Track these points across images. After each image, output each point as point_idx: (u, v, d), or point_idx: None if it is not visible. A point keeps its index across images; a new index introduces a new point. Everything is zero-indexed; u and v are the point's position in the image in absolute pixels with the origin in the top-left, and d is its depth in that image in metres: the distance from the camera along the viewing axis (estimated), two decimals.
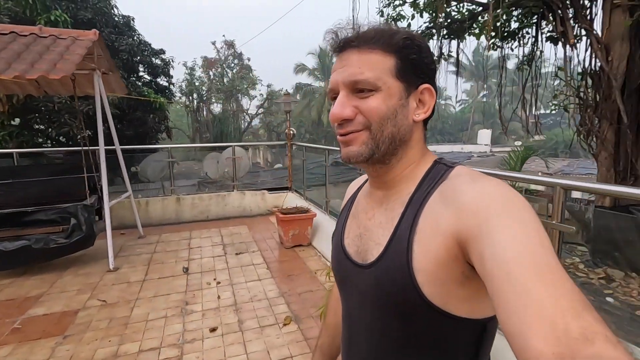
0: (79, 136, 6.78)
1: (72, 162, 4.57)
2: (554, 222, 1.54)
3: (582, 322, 0.33)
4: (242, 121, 27.13)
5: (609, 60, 4.28)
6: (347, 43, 0.57)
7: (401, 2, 6.65)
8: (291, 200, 5.57)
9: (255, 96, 26.30)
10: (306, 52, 33.15)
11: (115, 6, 8.16)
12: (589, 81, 4.77)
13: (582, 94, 4.86)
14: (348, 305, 0.68)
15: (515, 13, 5.09)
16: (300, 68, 28.96)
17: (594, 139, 4.69)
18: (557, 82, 5.61)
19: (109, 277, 3.34)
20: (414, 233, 0.53)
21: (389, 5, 6.82)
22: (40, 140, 6.23)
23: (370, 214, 0.64)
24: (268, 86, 26.39)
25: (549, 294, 0.35)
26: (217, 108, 25.13)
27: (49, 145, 6.25)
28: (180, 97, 21.74)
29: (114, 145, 4.21)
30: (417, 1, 6.54)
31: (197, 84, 22.50)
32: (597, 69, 4.53)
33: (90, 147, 3.77)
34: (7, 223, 3.67)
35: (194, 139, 22.80)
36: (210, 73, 24.01)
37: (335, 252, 0.71)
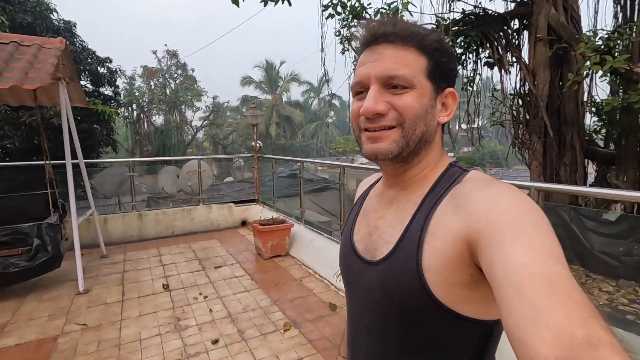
0: (17, 147, 6.09)
1: (23, 178, 4.17)
2: None
3: (587, 330, 0.33)
4: (185, 134, 26.08)
5: (536, 84, 5.08)
6: (382, 36, 0.56)
7: (355, 24, 7.16)
8: (259, 212, 5.59)
9: (200, 108, 25.55)
10: (252, 65, 33.03)
11: (55, 10, 7.57)
12: (520, 101, 5.59)
13: (514, 112, 5.66)
14: (352, 303, 0.67)
15: (459, 40, 5.79)
16: (246, 80, 28.81)
17: (527, 150, 5.47)
18: (487, 100, 6.45)
19: (81, 300, 3.11)
20: (425, 234, 0.53)
21: (344, 27, 7.30)
22: None
23: (380, 214, 0.64)
24: (214, 98, 25.83)
25: (556, 303, 0.35)
26: (159, 120, 23.91)
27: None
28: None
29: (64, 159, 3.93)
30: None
31: (136, 94, 21.25)
32: (527, 91, 5.34)
33: (54, 162, 3.50)
34: None
35: (133, 152, 21.38)
36: (152, 83, 22.85)
37: (343, 248, 0.71)
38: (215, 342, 2.45)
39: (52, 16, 7.42)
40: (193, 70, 24.28)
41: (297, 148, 28.91)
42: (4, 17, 5.50)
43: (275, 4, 5.26)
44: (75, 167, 4.18)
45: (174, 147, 22.41)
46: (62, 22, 7.69)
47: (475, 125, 6.17)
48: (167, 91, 23.18)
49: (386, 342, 0.58)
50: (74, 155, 3.79)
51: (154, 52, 23.20)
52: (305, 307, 2.96)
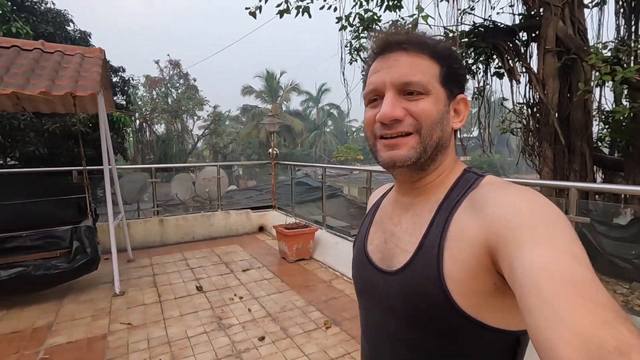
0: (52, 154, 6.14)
1: (46, 183, 4.26)
2: (570, 215, 2.02)
3: (617, 335, 0.31)
4: (186, 142, 26.19)
5: (546, 93, 5.28)
6: (396, 44, 0.57)
7: (365, 36, 7.41)
8: (276, 217, 5.68)
9: (201, 117, 25.75)
10: (253, 75, 33.34)
11: (72, 21, 7.73)
12: (529, 110, 5.79)
13: (524, 121, 5.86)
14: (369, 314, 0.66)
15: (469, 51, 6.01)
16: (247, 90, 29.07)
17: (537, 157, 5.65)
18: (489, 109, 6.66)
19: (119, 302, 3.18)
20: (444, 240, 0.52)
21: (355, 38, 7.55)
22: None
23: (396, 220, 0.63)
24: (214, 107, 26.05)
25: (581, 306, 0.34)
26: (160, 128, 24.04)
27: (22, 164, 5.60)
28: None
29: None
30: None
31: (139, 102, 21.38)
32: (537, 100, 5.54)
33: (91, 167, 3.59)
34: None
35: (135, 160, 21.39)
36: (154, 92, 23.04)
37: (357, 259, 0.69)
38: (262, 339, 2.53)
39: (68, 27, 7.57)
40: (195, 80, 24.53)
41: (298, 157, 29.09)
42: (28, 27, 5.64)
43: (296, 16, 5.44)
44: (95, 172, 4.31)
45: (175, 156, 22.53)
46: (78, 32, 7.83)
47: (486, 133, 6.34)
48: (169, 100, 23.38)
49: (413, 353, 0.57)
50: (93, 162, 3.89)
51: (157, 62, 23.46)
52: (340, 306, 3.05)
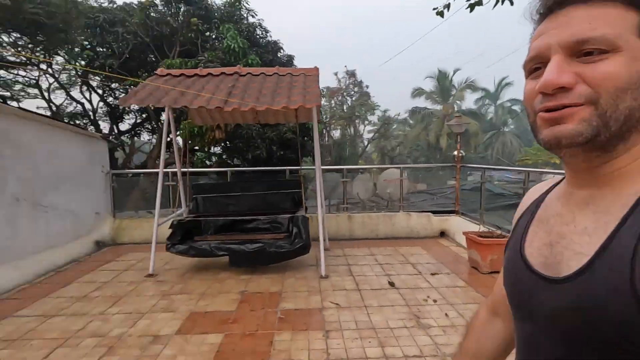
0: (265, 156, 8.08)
1: (280, 179, 5.37)
2: None
3: None
4: (357, 146, 28.06)
5: None
6: None
7: None
8: (460, 224, 5.39)
9: (371, 121, 27.09)
10: (424, 76, 32.70)
11: (282, 48, 9.49)
12: None
13: None
14: (527, 330, 0.54)
15: None
16: (417, 92, 28.73)
17: None
18: None
19: (326, 283, 3.69)
20: None
21: None
22: (234, 161, 7.65)
23: (568, 218, 0.50)
24: (384, 111, 26.92)
25: None
26: (336, 133, 26.64)
27: (245, 164, 7.59)
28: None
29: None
30: None
31: (321, 111, 24.32)
32: None
33: (307, 167, 4.33)
34: (230, 229, 4.45)
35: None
36: (332, 101, 25.73)
37: (510, 264, 0.58)
38: None
39: (280, 53, 9.33)
40: (367, 87, 26.02)
41: (472, 160, 26.75)
42: (257, 58, 7.34)
43: (494, 6, 5.01)
44: (294, 171, 5.08)
45: (348, 159, 24.52)
46: (285, 57, 9.57)
47: None
48: (344, 107, 25.63)
49: None
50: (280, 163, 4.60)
51: (335, 74, 26.07)
52: None
